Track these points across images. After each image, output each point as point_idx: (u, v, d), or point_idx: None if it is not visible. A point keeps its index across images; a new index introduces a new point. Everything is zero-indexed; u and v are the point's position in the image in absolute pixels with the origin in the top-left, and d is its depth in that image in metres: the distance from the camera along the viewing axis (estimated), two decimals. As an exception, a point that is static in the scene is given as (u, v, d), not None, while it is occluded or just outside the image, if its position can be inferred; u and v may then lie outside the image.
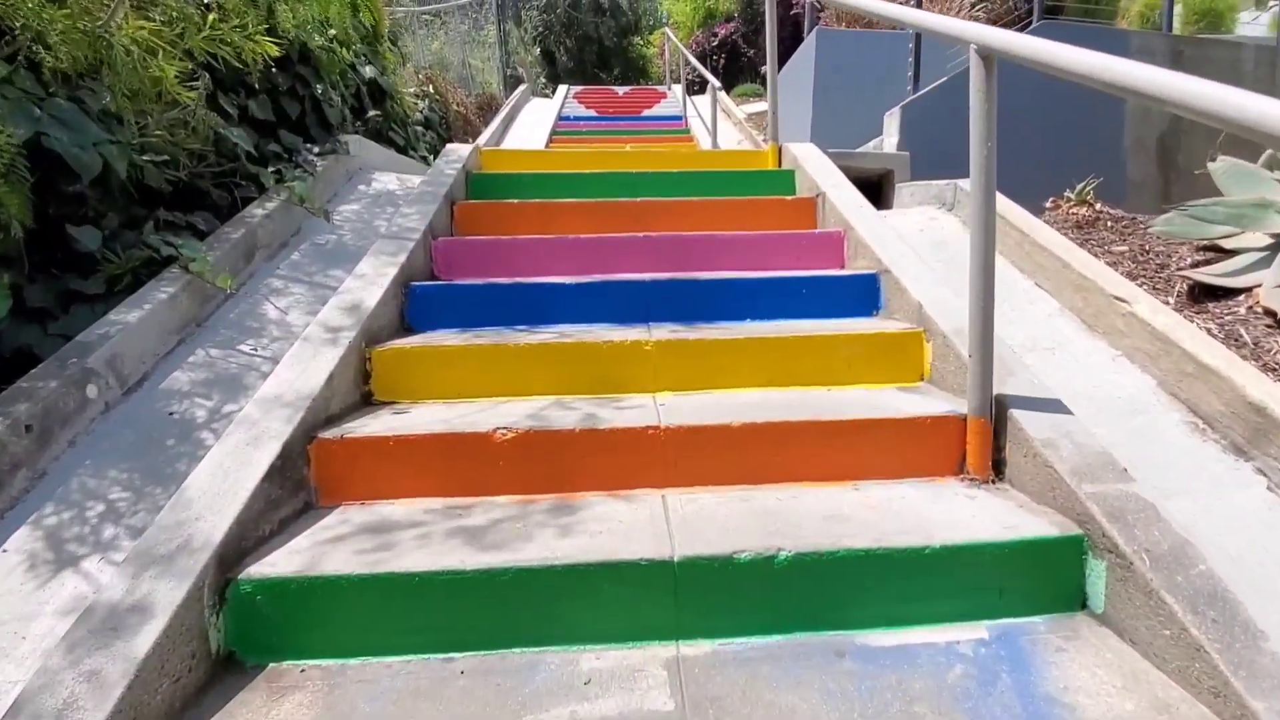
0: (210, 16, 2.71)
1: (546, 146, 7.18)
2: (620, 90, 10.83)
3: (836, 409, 1.73)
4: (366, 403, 1.89)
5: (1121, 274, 2.41)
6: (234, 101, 3.01)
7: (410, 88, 6.16)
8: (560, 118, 8.69)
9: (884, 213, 3.26)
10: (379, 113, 4.40)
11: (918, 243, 2.82)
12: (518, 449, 1.59)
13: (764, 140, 7.32)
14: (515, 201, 3.01)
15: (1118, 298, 2.12)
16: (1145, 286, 2.32)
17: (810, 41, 5.70)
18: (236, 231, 2.47)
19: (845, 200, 2.84)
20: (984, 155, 1.53)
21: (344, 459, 1.56)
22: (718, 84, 6.13)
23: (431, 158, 5.01)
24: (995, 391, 1.61)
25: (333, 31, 4.12)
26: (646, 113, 9.24)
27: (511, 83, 11.07)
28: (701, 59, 14.80)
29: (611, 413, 1.74)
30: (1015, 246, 2.66)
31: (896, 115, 3.99)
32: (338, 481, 1.57)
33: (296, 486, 1.50)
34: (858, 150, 4.27)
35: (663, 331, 2.11)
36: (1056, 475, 1.43)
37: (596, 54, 18.92)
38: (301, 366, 1.69)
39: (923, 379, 2.00)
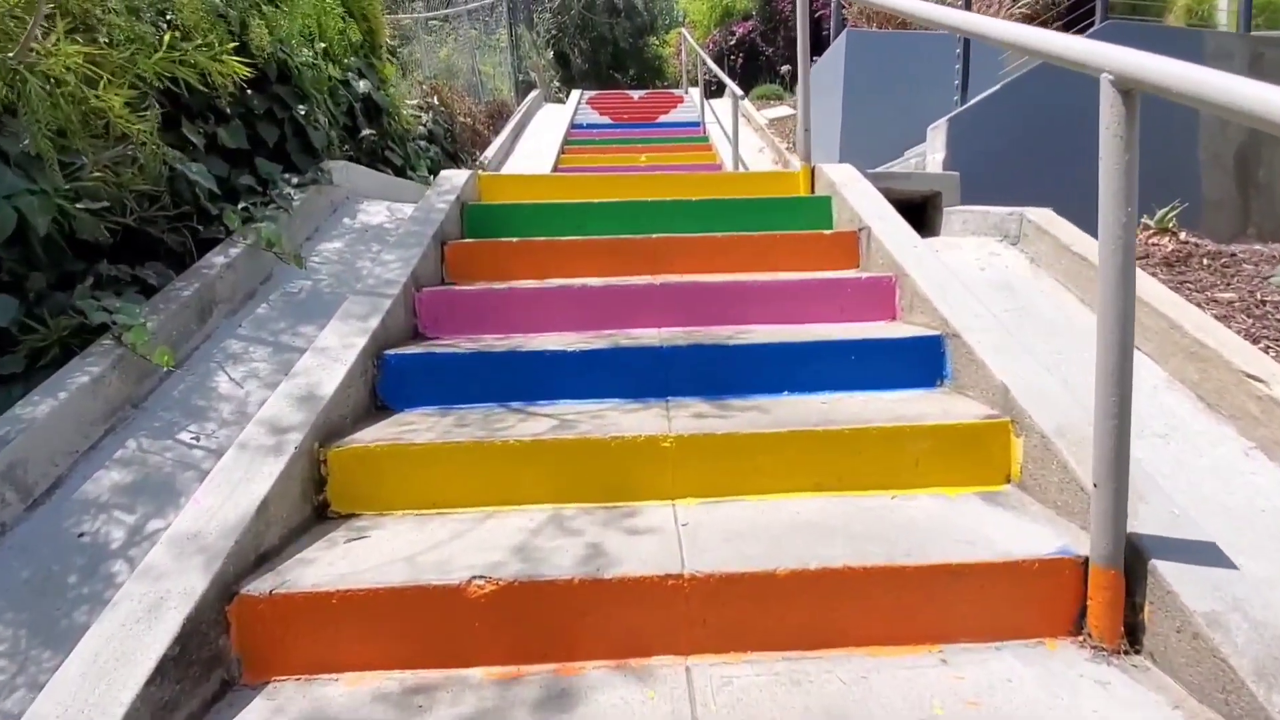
0: (168, 36, 2.40)
1: (558, 158, 6.85)
2: (635, 95, 10.47)
3: (910, 541, 1.34)
4: (320, 517, 1.54)
5: (1237, 332, 1.99)
6: (201, 129, 2.68)
7: (413, 100, 5.84)
8: (573, 125, 8.35)
9: (933, 243, 2.86)
10: (374, 131, 4.07)
11: (976, 283, 2.42)
12: (498, 607, 1.22)
13: (788, 149, 6.90)
14: (515, 240, 2.65)
15: (1250, 375, 1.70)
16: (1275, 354, 1.90)
17: (839, 44, 5.28)
18: (190, 286, 2.14)
19: (894, 237, 2.44)
20: (1121, 220, 1.14)
21: (274, 621, 1.21)
22: (740, 93, 5.74)
23: (432, 178, 4.68)
24: (1128, 529, 1.22)
25: (322, 45, 3.80)
26: (662, 119, 8.87)
27: (523, 88, 10.75)
28: (718, 59, 14.37)
29: (620, 541, 1.37)
30: (1077, 276, 2.25)
31: (942, 129, 3.57)
32: (268, 649, 1.22)
33: (209, 665, 1.15)
34: (898, 169, 3.86)
35: (684, 416, 1.73)
36: (1230, 673, 1.03)
37: (611, 55, 18.59)
38: (229, 490, 1.34)
39: (1009, 481, 1.60)
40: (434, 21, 8.62)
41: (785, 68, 13.78)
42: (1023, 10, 6.59)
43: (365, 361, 1.83)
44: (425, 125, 5.72)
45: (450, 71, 8.32)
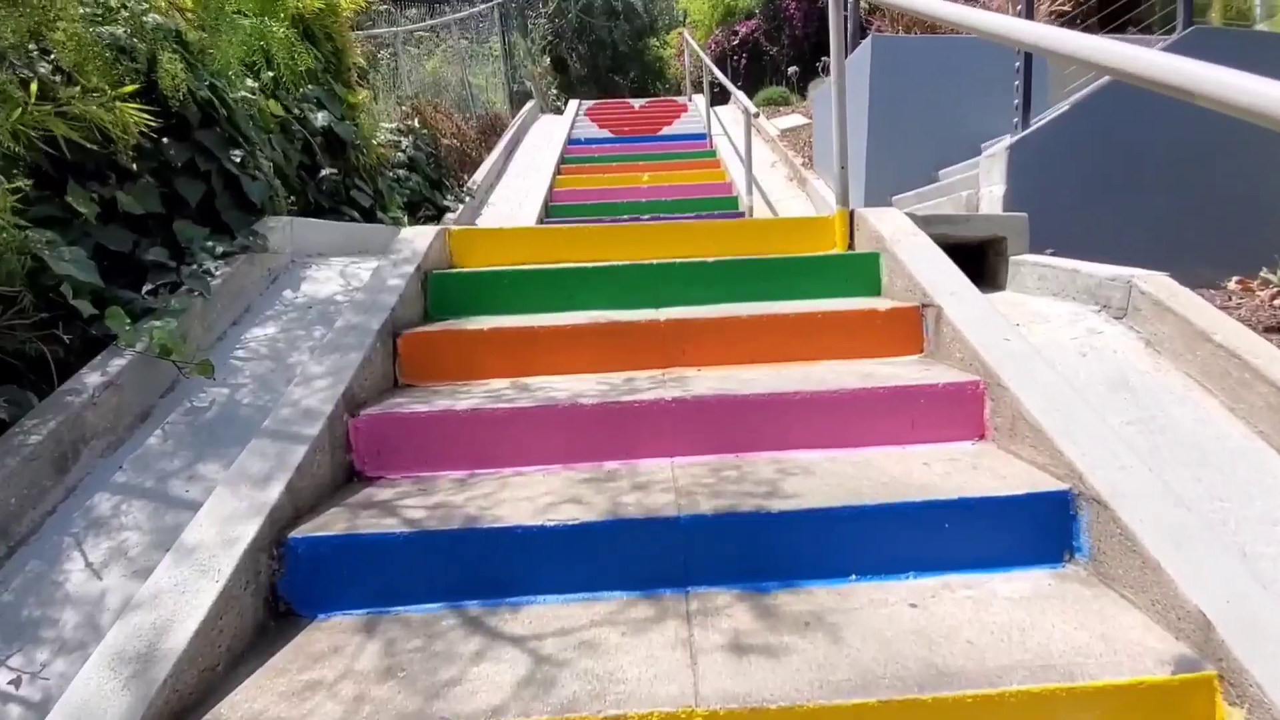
0: (33, 87, 1.87)
1: (554, 179, 6.30)
2: (636, 103, 9.91)
3: None
4: None
5: None
6: (95, 195, 2.15)
7: (390, 123, 5.30)
8: (570, 141, 7.80)
9: (1004, 304, 2.30)
10: (336, 170, 3.53)
11: (1077, 374, 1.86)
12: None
13: (804, 164, 6.33)
14: (486, 328, 2.10)
15: None
16: None
17: (863, 51, 4.71)
18: (44, 426, 1.60)
19: (979, 326, 1.88)
20: None
21: None
22: (752, 108, 5.17)
23: (406, 219, 4.14)
24: None
25: (270, 74, 3.26)
26: (666, 130, 8.31)
27: (519, 99, 10.21)
28: (720, 59, 13.77)
29: None
30: (1222, 376, 1.70)
31: (1001, 159, 2.99)
32: None
33: None
34: (950, 209, 3.28)
35: (715, 639, 1.18)
36: None
37: (611, 59, 18.05)
38: None
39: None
40: (420, 33, 8.09)
41: (792, 70, 13.21)
42: (1059, 8, 5.99)
43: (254, 561, 1.28)
44: (405, 151, 5.19)
45: (438, 86, 7.79)
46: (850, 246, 2.70)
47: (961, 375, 1.80)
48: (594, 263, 2.51)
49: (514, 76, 10.17)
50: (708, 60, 7.58)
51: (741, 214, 5.32)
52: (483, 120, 8.31)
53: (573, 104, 9.68)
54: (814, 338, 2.08)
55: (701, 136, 7.72)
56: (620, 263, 2.45)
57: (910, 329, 2.10)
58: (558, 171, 6.68)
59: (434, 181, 5.43)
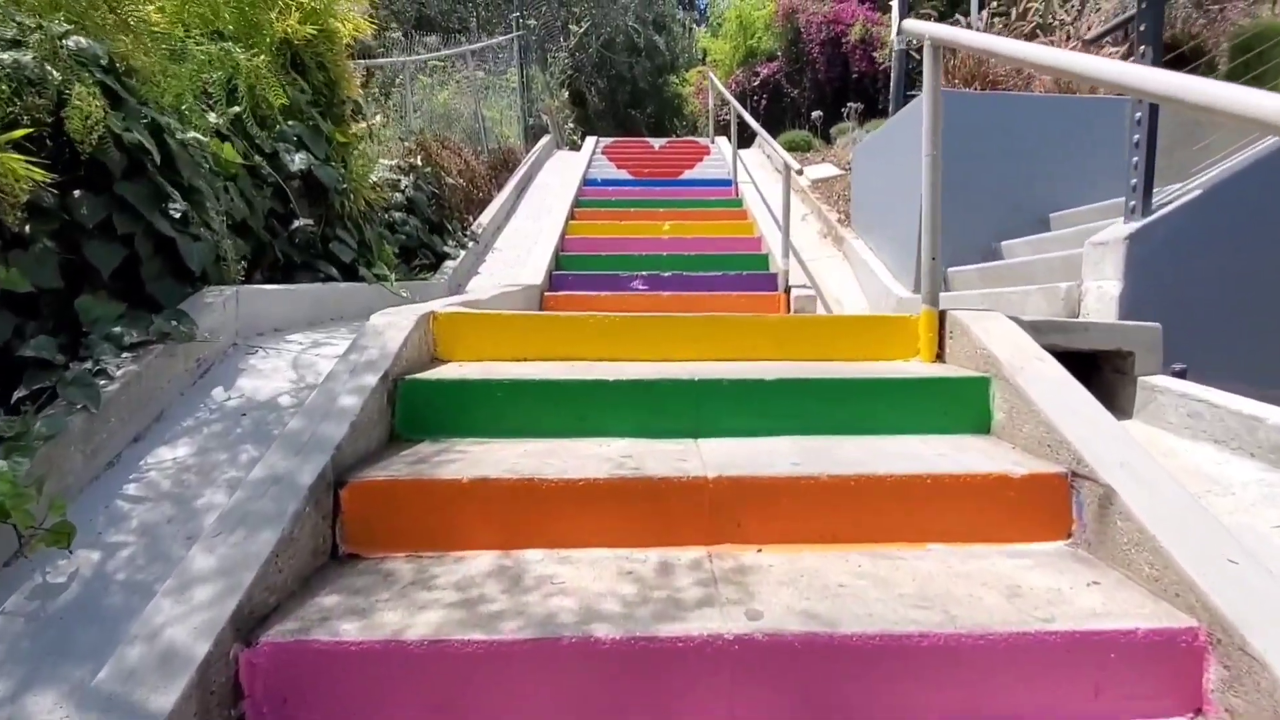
0: None
1: (566, 224, 5.79)
2: (656, 144, 9.49)
3: None
4: None
5: None
6: (-42, 267, 1.61)
7: (392, 159, 4.82)
8: (586, 181, 7.33)
9: (1140, 437, 1.72)
10: (312, 220, 3.00)
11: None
12: None
13: (840, 220, 5.83)
14: (467, 479, 1.51)
15: None
16: None
17: (919, 109, 4.23)
18: None
19: (1179, 530, 1.29)
20: None
21: None
22: (794, 163, 4.65)
23: (394, 276, 3.60)
24: None
25: (236, 110, 2.75)
26: (687, 174, 7.84)
27: (534, 133, 9.81)
28: (741, 99, 13.43)
29: None
30: None
31: (1115, 250, 2.42)
32: None
33: None
34: (1064, 317, 2.71)
35: None
36: None
37: (630, 94, 17.88)
38: None
39: None
40: (435, 62, 7.70)
41: (816, 114, 12.89)
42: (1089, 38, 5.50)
43: None
44: (404, 191, 4.69)
45: (449, 118, 7.36)
46: (938, 357, 2.13)
47: (1154, 602, 1.21)
48: (613, 362, 1.95)
49: (530, 110, 9.80)
50: (735, 104, 7.14)
51: (774, 275, 4.79)
52: (495, 155, 7.87)
53: (590, 140, 9.26)
54: (918, 509, 1.50)
55: (726, 183, 7.24)
56: (647, 374, 1.88)
57: (1051, 503, 1.52)
58: (571, 215, 6.19)
59: (434, 225, 4.93)
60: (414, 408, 1.81)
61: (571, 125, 12.36)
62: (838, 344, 2.21)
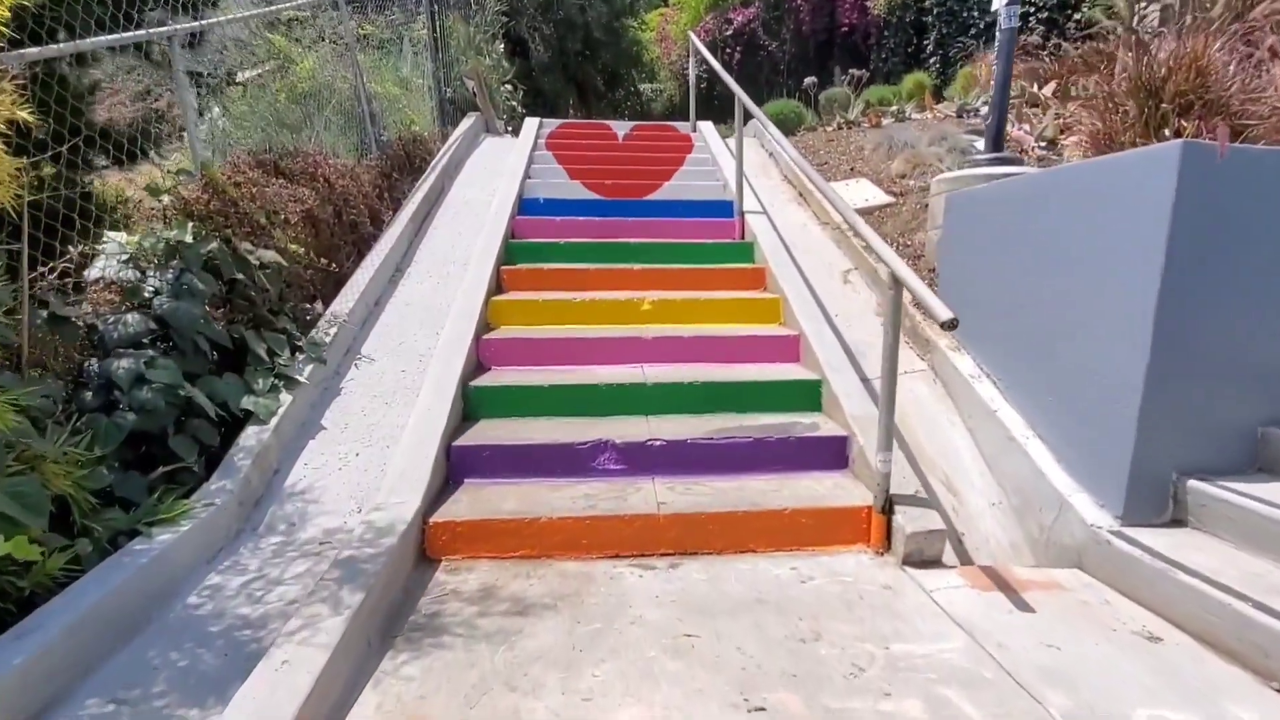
0: None
1: (485, 302, 3.61)
2: (620, 130, 7.10)
3: None
4: None
5: None
6: None
7: (122, 239, 2.50)
8: (523, 203, 5.04)
9: None
10: None
11: None
12: None
13: (931, 282, 3.64)
14: None
15: None
16: None
17: (1141, 166, 2.19)
18: None
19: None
20: None
21: None
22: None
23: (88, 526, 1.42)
24: None
25: None
26: (667, 187, 5.52)
27: (454, 111, 7.31)
28: (710, 50, 10.95)
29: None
30: None
31: None
32: None
33: None
34: None
35: None
36: None
37: (582, 42, 15.11)
38: None
39: None
40: (290, 12, 5.11)
41: (809, 80, 10.61)
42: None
43: None
44: (152, 302, 2.43)
45: (311, 108, 4.89)
46: None
47: None
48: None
49: (448, 77, 7.26)
50: (730, 81, 4.87)
51: (834, 440, 2.77)
52: (391, 153, 5.45)
53: (530, 126, 6.82)
54: None
55: (725, 208, 5.04)
56: None
57: None
58: (496, 277, 3.96)
59: (229, 350, 2.67)
60: None
61: (509, 87, 9.76)
62: None
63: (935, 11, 12.84)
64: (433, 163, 5.58)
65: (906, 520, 2.27)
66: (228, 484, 2.28)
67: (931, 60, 12.53)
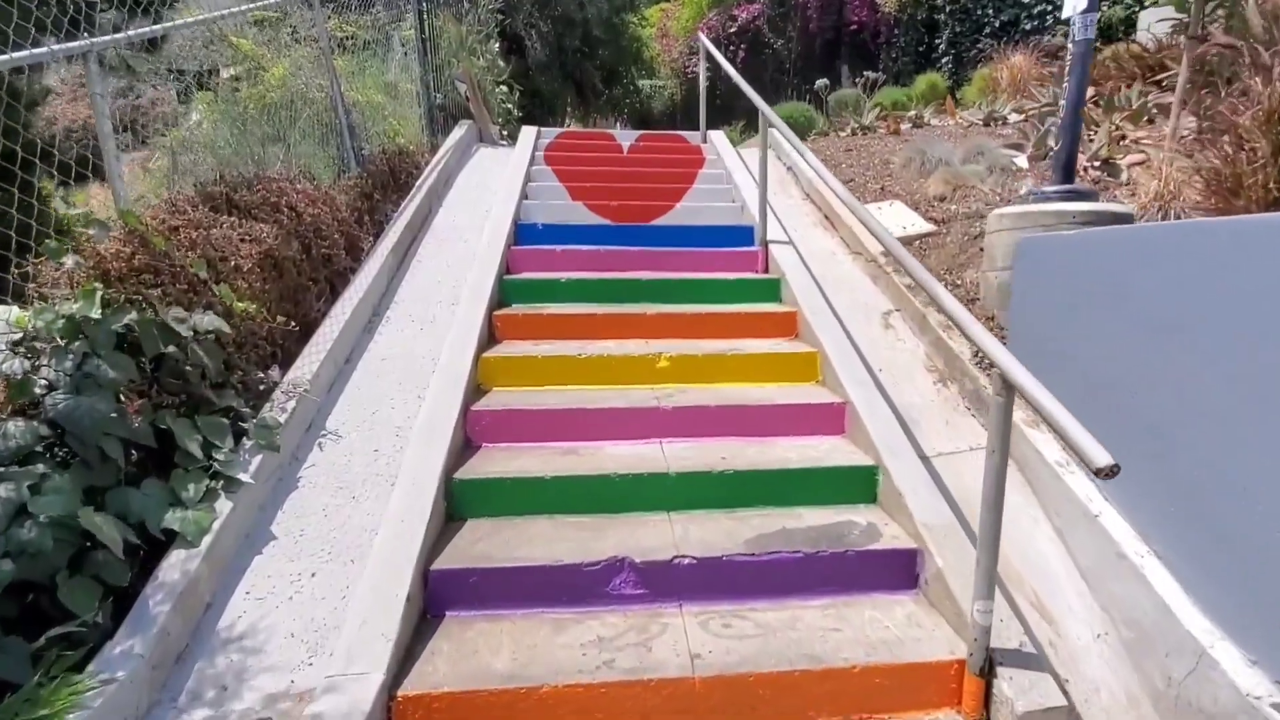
0: None
1: (475, 360, 3.08)
2: (625, 141, 6.54)
3: None
4: None
5: None
6: None
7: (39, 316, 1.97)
8: (519, 231, 4.50)
9: None
10: None
11: None
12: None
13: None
14: None
15: None
16: None
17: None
18: None
19: None
20: None
21: None
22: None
23: None
24: None
25: None
26: (678, 210, 4.96)
27: (444, 119, 6.75)
28: (715, 47, 10.36)
29: None
30: None
31: None
32: None
33: None
34: None
35: None
36: None
37: (581, 40, 14.50)
38: None
39: None
40: (259, 12, 4.55)
41: (821, 82, 10.04)
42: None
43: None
44: (45, 395, 1.89)
45: (283, 122, 4.34)
46: None
47: None
48: None
49: (438, 82, 6.69)
50: (746, 86, 4.33)
51: (914, 552, 2.26)
52: (372, 169, 4.90)
53: (527, 137, 6.26)
54: None
55: (744, 235, 4.51)
56: None
57: None
58: (486, 327, 3.43)
59: (137, 457, 2.13)
60: None
61: (505, 88, 9.19)
62: None
63: (948, 9, 12.24)
64: (419, 181, 5.03)
65: (1015, 691, 1.76)
66: (136, 645, 1.76)
67: (944, 61, 11.96)
